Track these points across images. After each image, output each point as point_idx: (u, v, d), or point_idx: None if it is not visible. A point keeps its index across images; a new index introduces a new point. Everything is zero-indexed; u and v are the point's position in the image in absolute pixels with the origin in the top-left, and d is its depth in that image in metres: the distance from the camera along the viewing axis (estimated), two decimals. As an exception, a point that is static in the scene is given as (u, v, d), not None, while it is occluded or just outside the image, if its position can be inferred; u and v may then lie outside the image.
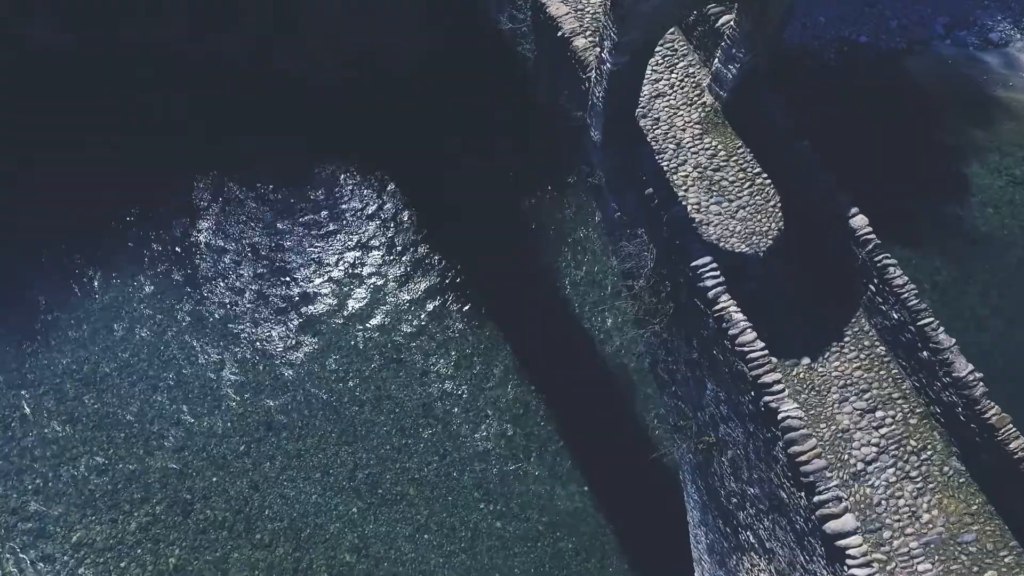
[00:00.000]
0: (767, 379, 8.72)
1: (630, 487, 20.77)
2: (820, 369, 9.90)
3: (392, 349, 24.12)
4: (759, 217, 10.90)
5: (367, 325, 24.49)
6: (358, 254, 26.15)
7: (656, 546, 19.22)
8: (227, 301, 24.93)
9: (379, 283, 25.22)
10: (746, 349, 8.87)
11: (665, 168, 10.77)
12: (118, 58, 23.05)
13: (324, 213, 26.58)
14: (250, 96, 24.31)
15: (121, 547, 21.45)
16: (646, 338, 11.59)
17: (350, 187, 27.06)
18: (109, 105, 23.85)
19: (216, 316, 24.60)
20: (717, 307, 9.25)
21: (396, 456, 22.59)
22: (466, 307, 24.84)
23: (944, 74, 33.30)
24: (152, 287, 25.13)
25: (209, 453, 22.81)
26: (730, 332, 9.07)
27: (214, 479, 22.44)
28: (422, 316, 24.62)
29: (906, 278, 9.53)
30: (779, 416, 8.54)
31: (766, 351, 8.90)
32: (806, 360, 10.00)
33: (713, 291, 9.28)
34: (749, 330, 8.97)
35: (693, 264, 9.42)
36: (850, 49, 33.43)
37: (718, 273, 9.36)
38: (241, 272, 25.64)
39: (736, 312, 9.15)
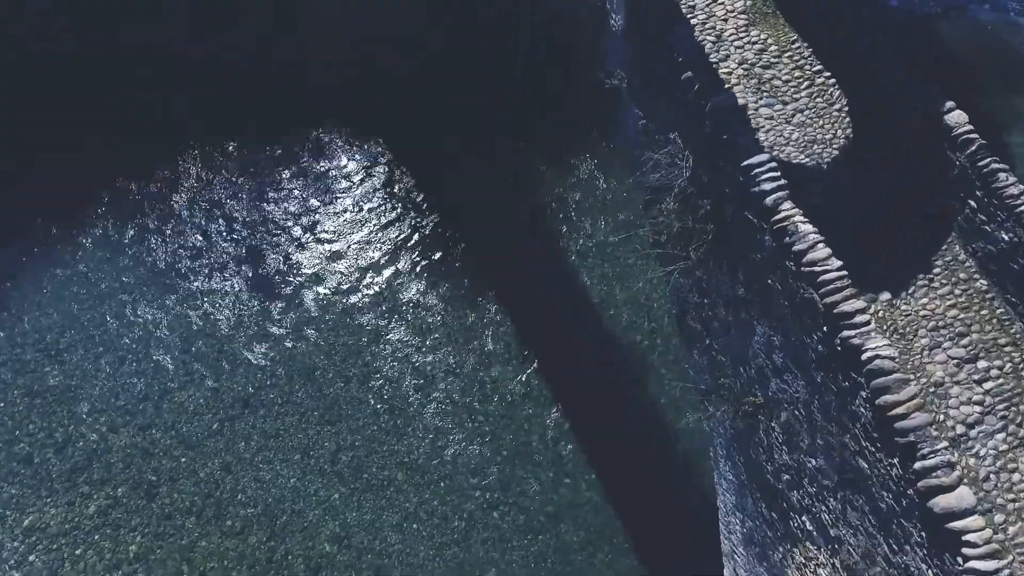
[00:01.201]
0: (847, 307, 6.47)
1: (647, 470, 18.56)
2: (903, 307, 7.65)
3: (383, 323, 21.96)
4: (820, 122, 8.69)
5: (357, 297, 22.35)
6: (345, 225, 24.11)
7: (677, 538, 16.97)
8: (206, 273, 22.85)
9: (371, 255, 23.08)
10: (818, 269, 6.63)
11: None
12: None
13: (311, 182, 24.57)
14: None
15: (77, 532, 19.33)
16: (673, 280, 9.40)
17: (343, 158, 25.02)
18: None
19: (193, 287, 22.54)
20: (778, 216, 7.03)
21: (384, 438, 20.39)
22: (465, 279, 22.67)
23: (982, 41, 31.08)
24: (126, 257, 23.12)
25: (178, 431, 20.68)
26: (796, 248, 6.82)
27: (183, 459, 20.30)
28: (417, 288, 22.45)
29: (1023, 187, 7.29)
30: (864, 356, 6.32)
31: (844, 271, 6.67)
32: (885, 295, 7.75)
33: (773, 196, 7.05)
34: (821, 245, 6.74)
35: (746, 163, 7.20)
36: (881, 13, 31.27)
37: (778, 174, 7.13)
38: (224, 244, 23.59)
39: (803, 222, 6.92)
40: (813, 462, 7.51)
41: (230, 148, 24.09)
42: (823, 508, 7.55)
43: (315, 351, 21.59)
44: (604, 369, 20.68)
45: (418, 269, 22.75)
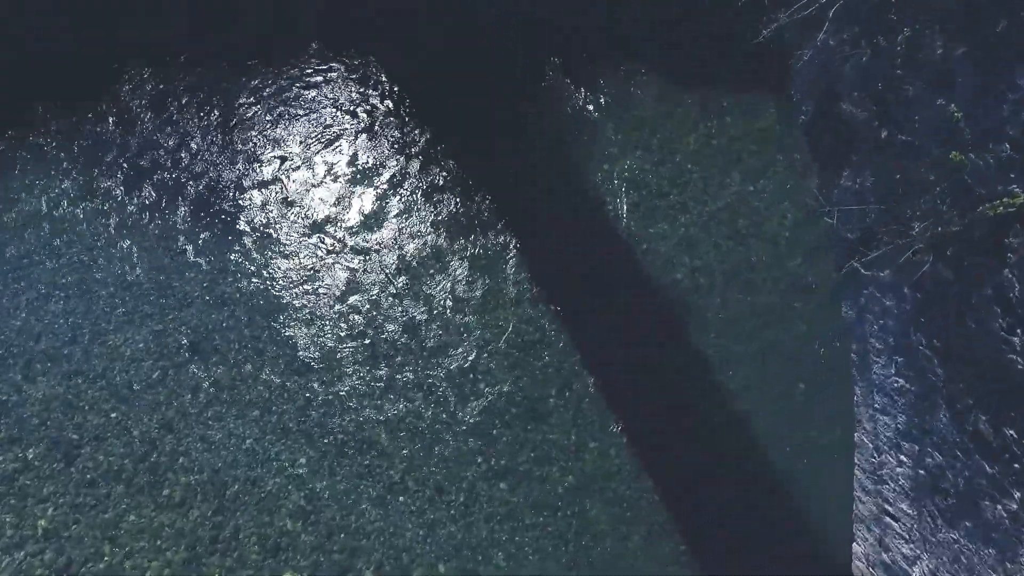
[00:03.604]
0: None
1: (712, 419, 14.65)
2: None
3: (363, 251, 17.99)
4: None
5: (336, 229, 18.39)
6: (325, 144, 20.30)
7: (754, 510, 13.01)
8: (155, 198, 18.94)
9: (356, 194, 19.14)
10: None
11: None
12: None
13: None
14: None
15: (-26, 503, 15.39)
16: (813, 49, 5.49)
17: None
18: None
19: (138, 215, 18.62)
20: None
21: (364, 390, 16.41)
22: (467, 206, 18.75)
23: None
24: (61, 177, 19.27)
25: (110, 381, 16.74)
26: None
27: (113, 415, 16.35)
28: (409, 216, 18.46)
29: None
30: None
31: None
32: None
33: None
34: None
35: None
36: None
37: None
38: (181, 171, 19.73)
39: None
40: None
41: (212, 108, 21.06)
42: None
43: (282, 288, 17.64)
44: (647, 298, 16.80)
45: (411, 195, 18.83)
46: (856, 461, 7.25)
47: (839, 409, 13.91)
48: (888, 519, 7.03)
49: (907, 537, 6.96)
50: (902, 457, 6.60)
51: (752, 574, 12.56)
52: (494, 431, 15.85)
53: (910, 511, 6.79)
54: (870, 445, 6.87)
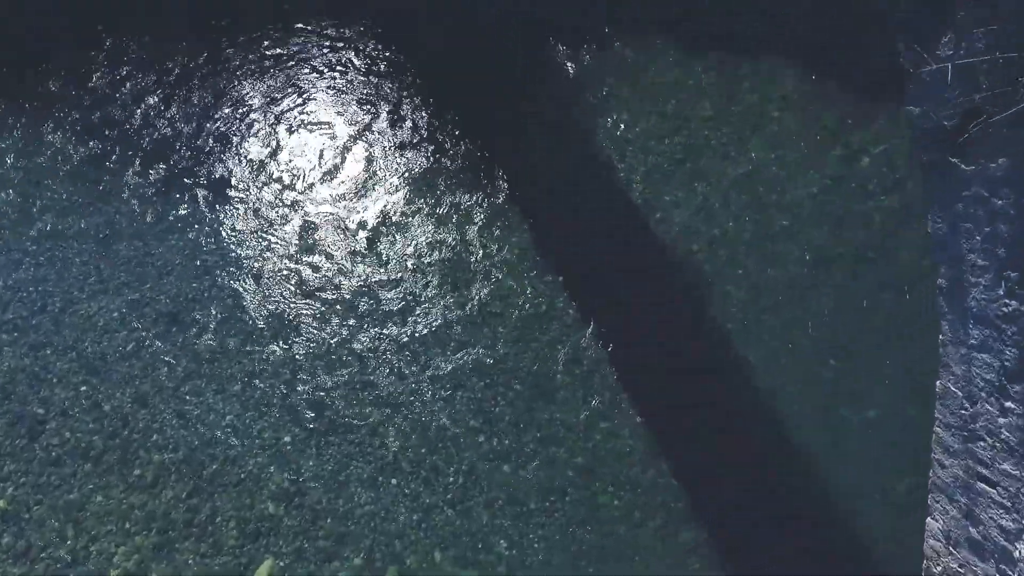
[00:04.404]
0: None
1: (735, 394, 13.34)
2: None
3: (360, 221, 16.69)
4: None
5: (332, 205, 17.13)
6: (320, 139, 19.13)
7: (783, 491, 11.67)
8: (135, 161, 17.75)
9: (351, 173, 17.88)
10: None
11: None
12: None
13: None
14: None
15: (-72, 481, 14.14)
16: None
17: (341, 144, 20.15)
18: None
19: (117, 177, 17.41)
20: None
21: (354, 363, 15.07)
22: (468, 161, 17.47)
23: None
24: (36, 140, 18.14)
25: (81, 352, 15.46)
26: None
27: (83, 388, 15.06)
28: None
29: None
30: None
31: None
32: None
33: None
34: None
35: None
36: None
37: None
38: (164, 132, 18.62)
39: None
40: None
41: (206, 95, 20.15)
42: None
43: (271, 257, 16.37)
44: (663, 269, 15.50)
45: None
46: (937, 415, 5.94)
47: (870, 385, 12.66)
48: (982, 484, 5.74)
49: (1008, 506, 5.64)
50: (1008, 404, 5.29)
51: (784, 572, 11.23)
52: (496, 409, 14.53)
53: (1015, 472, 5.48)
54: (959, 394, 5.58)
